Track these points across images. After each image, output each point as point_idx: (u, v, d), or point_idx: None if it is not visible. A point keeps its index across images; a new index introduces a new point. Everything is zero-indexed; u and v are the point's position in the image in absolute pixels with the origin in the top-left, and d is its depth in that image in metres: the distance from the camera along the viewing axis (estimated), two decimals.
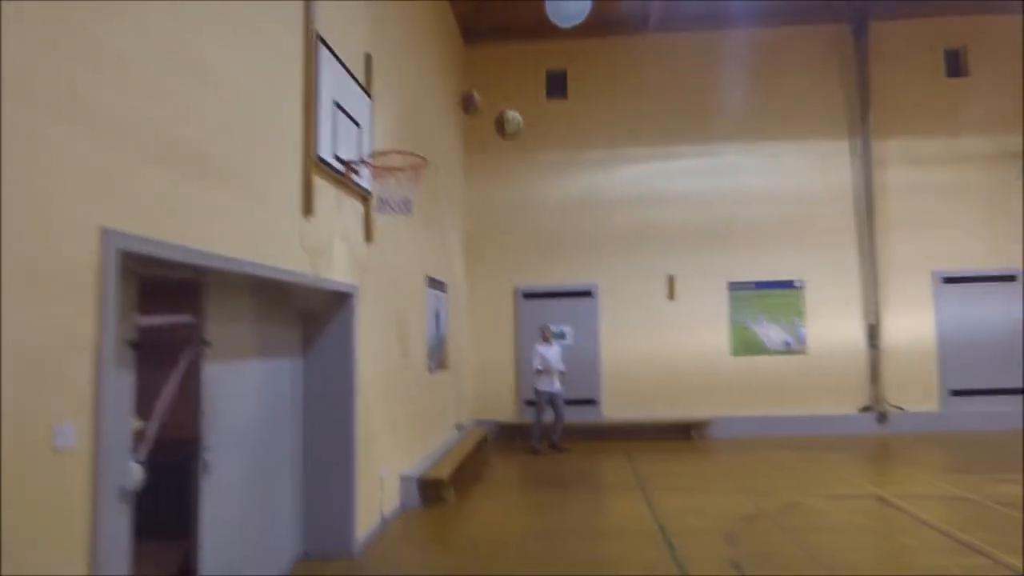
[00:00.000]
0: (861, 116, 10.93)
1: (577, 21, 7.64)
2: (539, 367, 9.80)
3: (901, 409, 10.58)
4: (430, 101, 8.85)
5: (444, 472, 7.15)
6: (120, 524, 3.28)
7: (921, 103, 11.01)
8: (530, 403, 10.24)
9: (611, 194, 11.22)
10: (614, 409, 10.87)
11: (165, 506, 4.61)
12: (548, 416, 9.84)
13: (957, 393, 10.57)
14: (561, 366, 9.90)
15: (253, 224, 4.02)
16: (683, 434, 10.55)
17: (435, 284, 8.73)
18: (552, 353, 9.85)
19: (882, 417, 10.54)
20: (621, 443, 10.33)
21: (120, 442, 3.35)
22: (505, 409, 11.12)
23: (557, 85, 11.46)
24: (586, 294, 11.04)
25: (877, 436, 10.30)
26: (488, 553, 5.47)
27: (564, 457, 9.48)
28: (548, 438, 9.79)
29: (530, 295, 11.10)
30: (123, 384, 3.36)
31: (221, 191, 3.66)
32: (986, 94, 10.90)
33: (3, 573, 2.21)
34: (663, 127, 11.22)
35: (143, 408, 4.18)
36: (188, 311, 4.25)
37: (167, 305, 4.77)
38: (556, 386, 9.78)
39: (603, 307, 11.05)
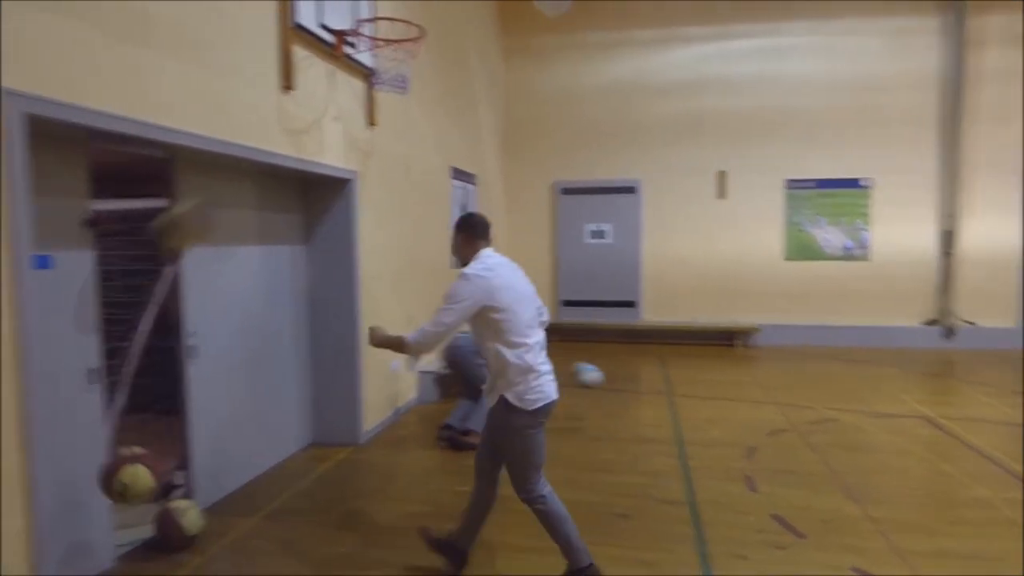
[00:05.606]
0: None
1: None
2: None
3: (971, 324, 9.69)
4: None
5: None
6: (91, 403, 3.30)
7: None
8: None
9: (659, 80, 10.21)
10: (654, 312, 10.41)
11: (158, 387, 4.61)
12: None
13: None
14: None
15: (219, 99, 3.67)
16: (726, 341, 10.06)
17: (462, 175, 8.27)
18: None
19: (949, 332, 9.69)
20: (658, 347, 9.96)
21: (81, 324, 3.24)
22: None
23: None
24: (629, 190, 10.33)
25: (942, 352, 9.51)
26: None
27: (595, 360, 9.16)
28: None
29: (569, 191, 10.50)
30: (78, 263, 3.23)
31: (172, 59, 3.29)
32: None
33: None
34: (717, 2, 9.98)
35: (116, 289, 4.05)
36: (161, 194, 4.03)
37: (138, 188, 4.57)
38: None
39: (646, 204, 10.34)
